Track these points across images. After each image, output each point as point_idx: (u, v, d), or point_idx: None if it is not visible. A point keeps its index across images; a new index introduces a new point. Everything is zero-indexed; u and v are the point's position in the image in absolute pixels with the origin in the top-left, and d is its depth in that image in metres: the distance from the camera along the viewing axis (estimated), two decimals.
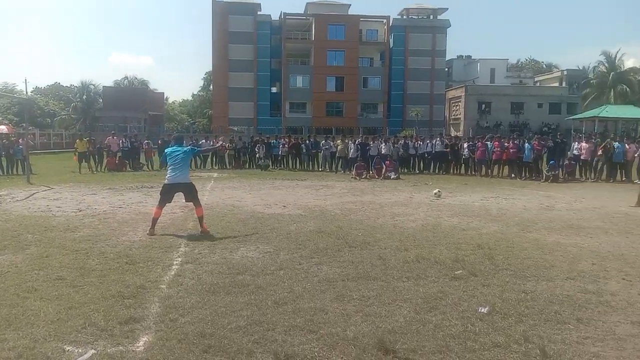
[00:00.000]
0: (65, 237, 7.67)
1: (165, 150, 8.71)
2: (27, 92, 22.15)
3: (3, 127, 36.81)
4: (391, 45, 62.21)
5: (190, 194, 8.18)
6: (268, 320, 4.29)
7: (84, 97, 63.59)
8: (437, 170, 22.10)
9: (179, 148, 8.40)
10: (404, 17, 64.64)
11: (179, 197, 8.47)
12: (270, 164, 24.02)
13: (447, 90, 62.96)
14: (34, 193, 13.62)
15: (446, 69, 67.79)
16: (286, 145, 24.37)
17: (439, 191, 13.38)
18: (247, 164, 24.73)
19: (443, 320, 4.36)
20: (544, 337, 4.02)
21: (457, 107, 58.09)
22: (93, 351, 3.62)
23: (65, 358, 3.56)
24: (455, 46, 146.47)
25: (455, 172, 21.60)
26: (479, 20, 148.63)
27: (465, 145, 21.73)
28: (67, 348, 3.71)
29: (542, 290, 5.22)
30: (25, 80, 18.77)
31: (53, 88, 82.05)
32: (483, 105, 55.52)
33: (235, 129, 52.31)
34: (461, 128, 54.04)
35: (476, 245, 7.30)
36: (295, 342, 3.85)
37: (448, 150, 21.64)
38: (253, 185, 16.35)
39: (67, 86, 79.57)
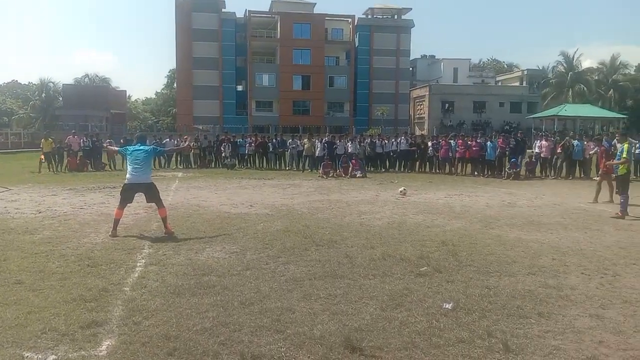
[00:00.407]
0: (24, 240, 7.42)
1: (127, 147, 8.52)
2: None
3: None
4: (356, 44, 62.65)
5: (152, 194, 8.02)
6: (234, 321, 4.27)
7: (43, 95, 61.67)
8: (402, 168, 22.38)
9: (141, 147, 8.23)
10: (369, 16, 65.16)
11: (142, 198, 8.31)
12: (236, 163, 23.82)
13: (411, 89, 63.86)
14: None
15: (410, 69, 68.69)
16: (253, 144, 24.21)
17: (404, 189, 13.56)
18: (213, 163, 24.43)
19: (408, 317, 4.42)
20: (507, 332, 4.13)
21: (422, 106, 59.04)
22: (54, 357, 3.53)
23: None
24: (419, 46, 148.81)
25: (420, 170, 21.92)
26: (442, 21, 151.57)
27: (430, 143, 22.09)
28: (26, 354, 3.61)
29: (505, 286, 5.36)
30: None
31: (10, 86, 79.32)
32: (447, 105, 56.62)
33: (201, 127, 51.64)
34: (425, 127, 54.93)
35: (440, 242, 7.44)
36: (262, 343, 3.84)
37: (415, 149, 21.93)
38: (219, 184, 16.18)
39: (25, 84, 77.00)
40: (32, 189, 14.47)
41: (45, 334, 3.96)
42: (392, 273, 5.78)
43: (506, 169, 19.18)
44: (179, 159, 24.14)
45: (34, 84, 67.22)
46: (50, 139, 21.87)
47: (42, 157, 21.32)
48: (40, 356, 3.58)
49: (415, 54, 71.08)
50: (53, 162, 21.37)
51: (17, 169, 22.57)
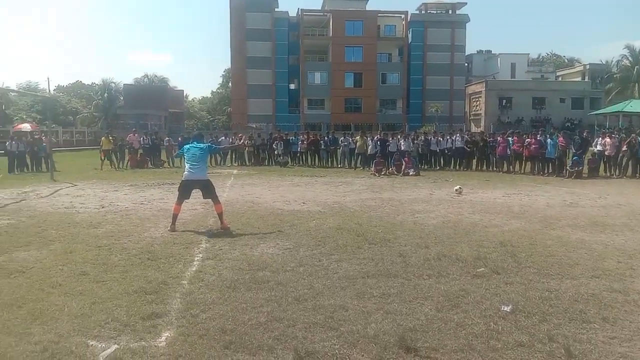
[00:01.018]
0: (88, 233, 7.79)
1: (184, 146, 8.75)
2: (49, 91, 22.57)
3: (27, 125, 37.56)
4: (409, 40, 61.84)
5: (208, 191, 8.20)
6: (288, 316, 4.29)
7: (105, 95, 64.69)
8: (457, 166, 21.90)
9: (198, 145, 8.43)
10: (423, 12, 64.17)
11: (199, 194, 8.53)
12: (289, 160, 24.06)
13: (466, 85, 62.35)
14: (57, 190, 13.87)
15: (466, 64, 67.15)
16: (305, 142, 24.38)
17: (460, 188, 13.25)
18: (266, 161, 24.81)
19: (465, 319, 4.31)
20: (569, 337, 3.94)
21: (478, 103, 57.48)
22: (116, 346, 3.65)
23: (89, 353, 3.60)
24: (474, 41, 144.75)
25: (477, 168, 21.37)
26: (498, 15, 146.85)
27: (487, 140, 21.46)
28: (91, 343, 3.76)
29: (567, 289, 5.12)
30: (48, 78, 19.32)
31: (75, 86, 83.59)
32: (504, 101, 54.80)
33: (254, 125, 52.53)
34: (482, 124, 53.46)
35: (498, 242, 7.20)
36: (315, 339, 3.85)
37: (471, 147, 21.38)
38: (272, 182, 16.40)
39: (88, 84, 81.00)
40: (96, 185, 15.20)
41: (108, 324, 4.12)
42: (448, 273, 5.65)
43: (568, 167, 18.35)
44: (233, 156, 24.64)
45: (97, 85, 70.61)
46: (110, 138, 22.90)
47: (103, 154, 22.33)
48: (103, 345, 3.71)
49: (470, 49, 69.44)
50: (115, 159, 22.37)
51: (82, 165, 23.79)
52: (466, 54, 66.17)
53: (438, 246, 6.96)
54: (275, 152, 24.34)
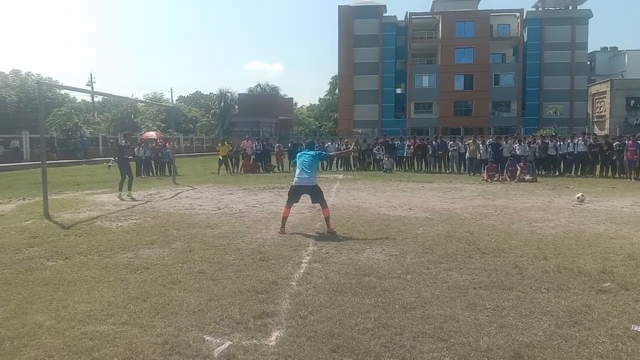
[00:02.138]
0: (205, 234, 8.30)
1: (297, 154, 9.01)
2: (172, 101, 24.73)
3: (152, 133, 41.09)
4: (525, 39, 58.52)
5: (317, 196, 8.39)
6: (396, 324, 4.21)
7: (222, 104, 68.77)
8: (579, 172, 20.22)
9: (309, 152, 8.67)
10: (539, 9, 60.38)
11: (308, 198, 8.73)
12: (394, 166, 23.80)
13: (589, 85, 57.42)
14: (179, 192, 14.99)
15: (588, 63, 62.00)
16: (411, 147, 23.99)
17: (582, 195, 12.21)
18: (372, 166, 24.79)
19: (588, 337, 3.93)
20: None
21: (602, 104, 52.61)
22: (230, 342, 3.81)
23: (204, 347, 3.79)
24: (598, 38, 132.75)
25: (601, 174, 19.57)
26: (625, 8, 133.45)
27: (614, 144, 19.56)
28: (207, 338, 3.96)
29: None
30: (171, 89, 21.33)
31: (195, 96, 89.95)
32: (632, 101, 49.56)
33: (360, 131, 52.82)
34: (606, 126, 48.87)
35: (627, 255, 6.52)
36: (424, 349, 3.73)
37: (595, 151, 19.63)
38: (378, 187, 16.33)
39: (206, 94, 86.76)
40: (213, 188, 16.19)
41: (223, 321, 4.32)
42: (569, 287, 5.21)
43: None
44: (339, 161, 24.94)
45: (214, 94, 75.31)
46: (226, 144, 24.32)
47: (220, 159, 23.77)
48: (218, 341, 3.89)
49: (593, 46, 64.05)
50: (230, 165, 23.72)
51: (200, 170, 25.54)
52: (589, 52, 61.09)
53: (558, 258, 6.45)
54: (377, 157, 24.22)
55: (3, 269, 6.06)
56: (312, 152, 8.70)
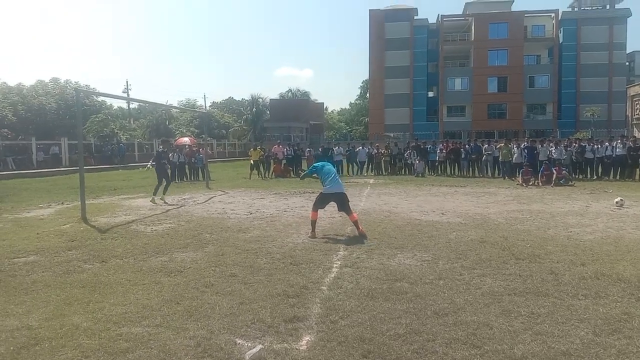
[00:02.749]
0: (237, 238, 8.38)
1: (315, 165, 9.08)
2: (205, 107, 25.16)
3: (186, 138, 41.81)
4: (560, 40, 57.21)
5: (343, 203, 8.46)
6: (428, 330, 4.16)
7: (254, 109, 69.49)
8: (618, 176, 19.56)
9: (328, 162, 9.04)
10: (575, 9, 58.92)
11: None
12: (425, 170, 23.54)
13: (628, 86, 55.44)
14: (212, 197, 15.20)
15: (627, 63, 60.04)
16: (444, 150, 23.70)
17: (621, 200, 11.81)
18: (403, 170, 24.59)
19: (628, 346, 3.80)
20: None
21: None
22: (261, 346, 3.84)
23: (236, 350, 3.82)
24: (637, 37, 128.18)
25: None
26: None
27: None
28: (239, 341, 3.99)
29: None
30: (204, 96, 21.85)
31: (227, 102, 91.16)
32: None
33: (392, 135, 52.50)
34: None
35: None
36: (457, 356, 3.66)
37: (634, 154, 18.96)
38: (409, 191, 16.18)
39: (239, 100, 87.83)
40: (245, 193, 16.37)
41: (254, 324, 4.35)
42: (607, 294, 5.04)
43: None
44: (370, 166, 24.84)
45: (246, 100, 76.20)
46: (258, 149, 24.57)
47: (252, 163, 24.01)
48: (250, 344, 3.92)
49: (633, 46, 62.09)
50: (262, 169, 23.94)
51: (233, 175, 25.85)
52: (627, 52, 59.17)
53: (596, 264, 6.25)
54: (408, 162, 24.00)
55: (42, 272, 6.26)
56: (332, 164, 9.26)
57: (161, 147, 16.37)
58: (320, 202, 8.64)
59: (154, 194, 14.01)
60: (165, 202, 13.59)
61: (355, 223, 8.33)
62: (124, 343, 3.95)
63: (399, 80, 59.47)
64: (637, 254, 6.83)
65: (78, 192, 11.64)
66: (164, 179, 14.22)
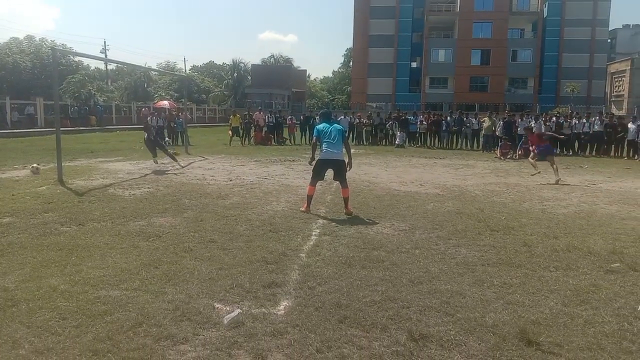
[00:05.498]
0: (217, 204, 8.37)
1: (317, 127, 8.22)
2: (185, 70, 24.68)
3: (165, 102, 41.06)
4: (545, 14, 57.13)
5: (341, 172, 7.89)
6: (403, 297, 4.26)
7: (235, 74, 68.32)
8: (593, 152, 19.95)
9: (335, 125, 8.04)
10: None
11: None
12: (405, 141, 23.61)
13: (609, 63, 56.10)
14: (191, 162, 15.08)
15: (609, 40, 60.46)
16: (424, 122, 23.78)
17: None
18: (384, 141, 24.66)
19: (595, 316, 3.95)
20: None
21: (621, 83, 51.38)
22: (239, 310, 3.89)
23: (214, 315, 3.87)
24: (620, 14, 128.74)
25: (615, 155, 19.31)
26: None
27: (631, 125, 19.21)
28: (217, 305, 4.04)
29: None
30: (184, 59, 21.50)
31: (208, 66, 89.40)
32: None
33: (374, 105, 52.37)
34: (624, 106, 47.88)
35: (637, 236, 6.50)
36: (430, 323, 3.78)
37: (610, 131, 19.31)
38: (389, 162, 16.28)
39: (220, 64, 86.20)
40: (225, 159, 16.27)
41: (233, 289, 4.40)
42: (578, 267, 5.21)
43: None
44: (351, 135, 24.84)
45: (227, 65, 74.79)
46: (237, 115, 24.31)
47: (230, 131, 23.78)
48: (228, 308, 3.97)
49: (615, 23, 62.41)
50: (242, 136, 23.74)
51: (213, 141, 25.60)
52: (610, 29, 59.51)
53: (568, 237, 6.44)
54: (390, 133, 24.04)
55: (19, 233, 6.19)
56: (339, 127, 8.08)
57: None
58: (316, 172, 7.90)
59: (172, 159, 13.92)
60: (156, 163, 13.90)
61: (346, 200, 7.79)
62: (102, 306, 3.97)
63: (383, 50, 58.97)
64: (608, 228, 7.04)
65: (54, 154, 11.42)
66: (157, 148, 14.19)
